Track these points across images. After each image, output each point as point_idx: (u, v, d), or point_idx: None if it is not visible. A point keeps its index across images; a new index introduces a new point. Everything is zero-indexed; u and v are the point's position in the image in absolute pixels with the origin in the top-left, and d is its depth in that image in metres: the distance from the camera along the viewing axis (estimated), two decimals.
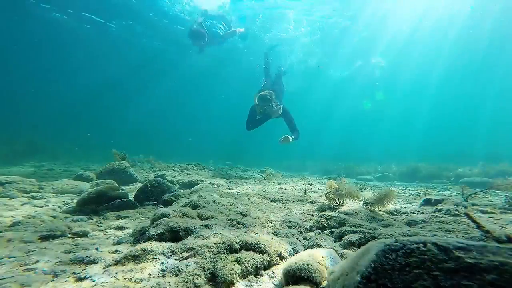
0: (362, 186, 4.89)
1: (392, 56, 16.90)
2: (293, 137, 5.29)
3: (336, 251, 1.39)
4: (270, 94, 5.21)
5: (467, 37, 14.22)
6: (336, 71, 19.70)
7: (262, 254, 1.30)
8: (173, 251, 1.28)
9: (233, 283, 1.10)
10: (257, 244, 1.35)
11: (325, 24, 12.85)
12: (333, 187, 2.42)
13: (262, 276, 1.20)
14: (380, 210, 2.38)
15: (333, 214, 1.97)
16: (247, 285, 1.11)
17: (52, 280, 1.09)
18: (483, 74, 19.41)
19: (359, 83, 21.80)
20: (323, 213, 2.03)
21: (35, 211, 2.24)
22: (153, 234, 1.49)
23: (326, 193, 2.50)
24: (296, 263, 1.06)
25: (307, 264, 1.05)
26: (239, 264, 1.18)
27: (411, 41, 14.93)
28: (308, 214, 2.23)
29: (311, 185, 4.38)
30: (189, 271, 1.10)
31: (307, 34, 13.84)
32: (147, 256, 1.22)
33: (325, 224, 1.87)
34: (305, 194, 3.25)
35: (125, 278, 1.05)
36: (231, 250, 1.29)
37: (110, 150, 5.22)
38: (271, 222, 1.84)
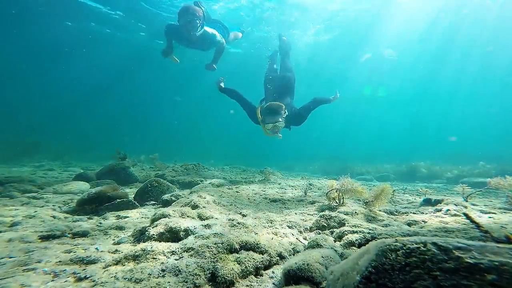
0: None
1: (404, 50, 16.28)
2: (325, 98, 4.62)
3: (336, 251, 1.39)
4: (279, 106, 3.94)
5: (475, 37, 14.11)
6: (341, 66, 19.19)
7: (262, 254, 1.30)
8: (173, 251, 1.28)
9: (233, 283, 1.10)
10: (257, 244, 1.35)
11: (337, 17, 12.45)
12: (336, 185, 2.42)
13: (262, 276, 1.20)
14: (380, 210, 2.38)
15: (333, 214, 1.97)
16: (247, 285, 1.11)
17: (52, 280, 1.09)
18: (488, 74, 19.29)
19: (365, 78, 21.03)
20: (323, 213, 2.03)
21: (35, 211, 2.24)
22: (153, 234, 1.49)
23: (327, 193, 2.50)
24: (296, 263, 1.07)
25: (307, 264, 1.05)
26: (239, 264, 1.18)
27: (424, 35, 14.56)
28: (308, 214, 2.23)
29: (311, 185, 4.38)
30: (189, 271, 1.10)
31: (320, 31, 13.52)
32: (147, 256, 1.22)
33: (325, 224, 1.87)
34: (305, 194, 3.25)
35: (125, 278, 1.05)
36: (231, 250, 1.29)
37: (110, 150, 5.23)
38: (271, 222, 1.84)
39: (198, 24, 4.79)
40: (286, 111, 4.03)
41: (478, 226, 0.91)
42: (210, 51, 5.90)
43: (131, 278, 1.05)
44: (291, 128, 4.60)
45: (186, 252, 1.27)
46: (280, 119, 3.89)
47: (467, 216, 0.96)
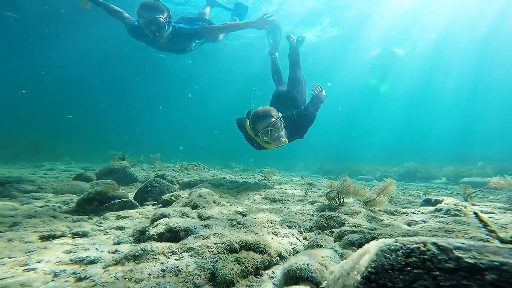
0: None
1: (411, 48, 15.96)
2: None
3: (336, 251, 1.39)
4: (267, 109, 3.36)
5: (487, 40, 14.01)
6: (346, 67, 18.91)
7: (262, 254, 1.30)
8: (173, 251, 1.28)
9: (233, 283, 1.10)
10: (257, 244, 1.35)
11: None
12: (337, 186, 2.42)
13: (262, 276, 1.20)
14: (380, 210, 2.38)
15: (333, 214, 1.97)
16: (247, 285, 1.11)
17: (52, 280, 1.09)
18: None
19: (371, 75, 20.53)
20: (323, 213, 2.03)
21: (35, 211, 2.24)
22: (153, 234, 1.49)
23: (327, 193, 2.50)
24: (296, 263, 1.07)
25: (307, 264, 1.05)
26: (239, 264, 1.18)
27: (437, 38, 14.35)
28: (308, 214, 2.24)
29: (311, 185, 4.38)
30: (189, 271, 1.10)
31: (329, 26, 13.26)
32: (147, 256, 1.22)
33: (325, 224, 1.87)
34: (305, 194, 3.25)
35: (125, 278, 1.05)
36: (231, 250, 1.29)
37: (110, 150, 5.23)
38: (271, 222, 1.85)
39: (164, 23, 3.75)
40: (279, 113, 3.44)
41: (485, 225, 0.92)
42: (189, 53, 4.67)
43: (131, 278, 1.05)
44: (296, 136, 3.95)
45: (186, 252, 1.27)
46: (273, 118, 3.23)
47: (476, 215, 0.97)
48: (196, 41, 4.42)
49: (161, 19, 3.71)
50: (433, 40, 14.98)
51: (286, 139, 3.38)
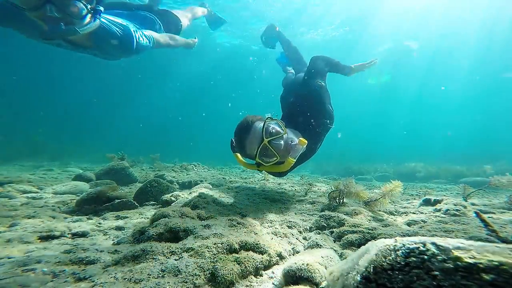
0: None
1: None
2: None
3: (336, 251, 1.39)
4: (248, 120, 2.15)
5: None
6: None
7: (262, 254, 1.30)
8: (172, 251, 1.27)
9: (232, 283, 1.10)
10: (256, 244, 1.35)
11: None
12: (338, 187, 2.42)
13: (262, 276, 1.20)
14: (379, 210, 2.38)
15: (332, 214, 1.97)
16: (247, 285, 1.11)
17: (52, 281, 1.09)
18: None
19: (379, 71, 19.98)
20: (323, 213, 2.03)
21: (34, 212, 2.24)
22: (153, 234, 1.49)
23: (329, 193, 2.50)
24: (295, 263, 1.07)
25: (307, 264, 1.05)
26: (238, 264, 1.18)
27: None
28: (308, 214, 2.24)
29: (310, 185, 4.39)
30: (189, 271, 1.10)
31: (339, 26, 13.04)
32: (146, 256, 1.22)
33: (325, 224, 1.87)
34: (305, 194, 3.25)
35: (124, 279, 1.05)
36: (230, 250, 1.29)
37: (110, 150, 5.23)
38: (271, 222, 1.85)
39: (81, 11, 2.15)
40: (270, 116, 2.22)
41: (486, 224, 0.92)
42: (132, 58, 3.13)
43: (130, 279, 1.05)
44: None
45: (186, 252, 1.27)
46: (261, 122, 2.09)
47: (477, 214, 0.98)
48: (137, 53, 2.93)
49: (76, 3, 2.07)
50: (438, 37, 14.80)
51: (301, 138, 2.12)
